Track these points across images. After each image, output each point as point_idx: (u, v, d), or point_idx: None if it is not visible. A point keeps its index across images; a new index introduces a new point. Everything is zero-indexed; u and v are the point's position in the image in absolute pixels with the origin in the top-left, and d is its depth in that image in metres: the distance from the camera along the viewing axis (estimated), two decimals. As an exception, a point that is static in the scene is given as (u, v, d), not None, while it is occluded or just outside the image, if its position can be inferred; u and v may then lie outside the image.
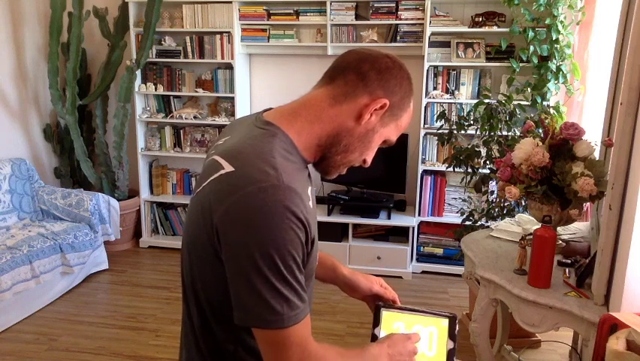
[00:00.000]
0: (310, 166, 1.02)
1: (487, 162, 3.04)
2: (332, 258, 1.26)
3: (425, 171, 3.83)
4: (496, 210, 2.96)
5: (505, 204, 2.92)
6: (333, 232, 3.85)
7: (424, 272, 3.87)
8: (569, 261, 1.85)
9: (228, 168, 0.87)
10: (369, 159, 1.01)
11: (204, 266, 0.91)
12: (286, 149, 0.92)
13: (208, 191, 0.88)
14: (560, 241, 2.02)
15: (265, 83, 4.21)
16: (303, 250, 0.86)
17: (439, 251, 3.86)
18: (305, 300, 0.88)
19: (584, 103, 3.07)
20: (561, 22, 3.18)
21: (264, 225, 0.81)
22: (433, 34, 3.67)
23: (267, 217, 0.81)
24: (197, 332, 0.99)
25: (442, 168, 3.54)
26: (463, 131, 3.19)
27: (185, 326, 1.04)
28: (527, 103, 3.26)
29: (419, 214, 3.84)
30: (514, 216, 2.63)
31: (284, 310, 0.83)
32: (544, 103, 3.27)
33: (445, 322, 1.12)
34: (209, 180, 0.89)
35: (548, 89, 3.27)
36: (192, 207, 0.94)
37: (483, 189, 3.19)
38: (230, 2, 3.86)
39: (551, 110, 3.05)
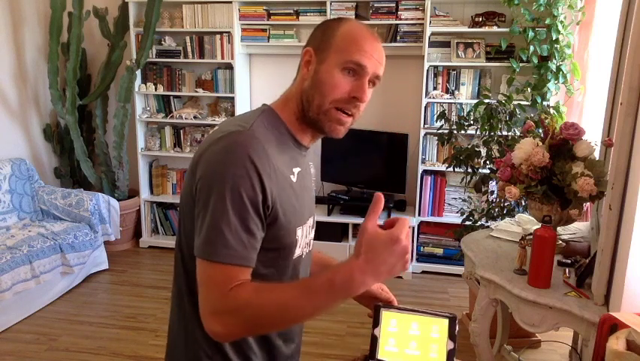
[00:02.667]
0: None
1: (487, 162, 3.04)
2: (326, 256, 1.29)
3: (425, 171, 3.83)
4: (496, 210, 2.96)
5: (505, 204, 2.92)
6: (333, 232, 3.85)
7: (424, 272, 3.87)
8: (569, 261, 1.85)
9: (215, 129, 1.02)
10: (339, 94, 1.00)
11: (186, 217, 0.99)
12: (271, 122, 1.03)
13: (199, 147, 1.00)
14: (560, 241, 2.02)
15: (265, 83, 4.21)
16: (257, 198, 0.90)
17: (439, 251, 3.86)
18: (248, 248, 0.90)
19: (584, 103, 3.07)
20: (561, 22, 3.18)
21: (221, 161, 0.90)
22: (433, 34, 3.67)
23: (226, 155, 0.91)
24: (179, 294, 1.09)
25: (442, 168, 3.54)
26: (463, 131, 3.19)
27: (172, 296, 1.15)
28: (527, 103, 3.26)
29: (419, 214, 3.84)
30: (514, 216, 2.63)
31: (216, 243, 0.88)
32: (544, 103, 3.27)
33: (445, 322, 1.12)
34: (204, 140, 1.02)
35: (548, 89, 3.27)
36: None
37: (483, 189, 3.19)
38: (230, 2, 3.86)
39: (551, 110, 3.05)
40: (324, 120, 1.01)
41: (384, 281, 0.93)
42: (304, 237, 1.08)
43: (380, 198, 0.91)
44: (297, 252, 1.06)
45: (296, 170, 1.05)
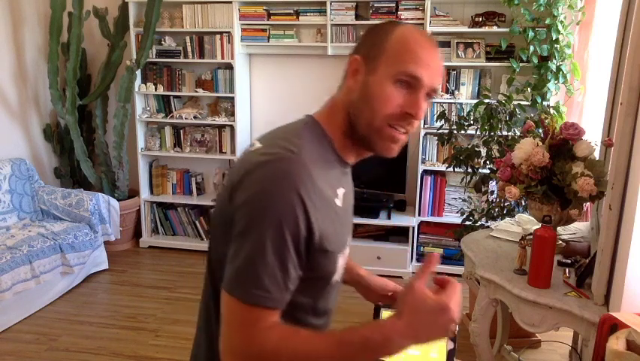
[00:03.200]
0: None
1: (487, 162, 3.04)
2: (357, 266, 1.23)
3: (425, 171, 3.83)
4: (496, 210, 2.96)
5: (505, 204, 2.92)
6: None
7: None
8: (569, 261, 1.85)
9: (257, 145, 0.93)
10: (391, 109, 0.89)
11: (218, 238, 0.92)
12: (317, 138, 0.94)
13: (236, 165, 0.93)
14: (560, 241, 2.02)
15: (265, 83, 4.21)
16: (300, 236, 0.83)
17: (439, 251, 3.86)
18: (282, 290, 0.84)
19: (584, 103, 3.07)
20: (561, 22, 3.17)
21: (266, 191, 0.82)
22: (433, 34, 3.67)
23: (272, 185, 0.83)
24: (206, 310, 1.00)
25: (442, 168, 3.54)
26: (463, 131, 3.19)
27: (199, 309, 1.06)
28: (527, 103, 3.26)
29: (419, 214, 3.84)
30: (514, 216, 2.63)
31: (248, 282, 0.82)
32: (544, 103, 3.27)
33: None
34: (240, 157, 0.95)
35: (548, 89, 3.27)
36: (223, 185, 0.96)
37: (483, 189, 3.19)
38: (230, 2, 3.86)
39: (551, 110, 3.05)
40: (376, 138, 0.92)
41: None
42: (343, 261, 1.01)
43: (435, 257, 0.86)
44: (335, 278, 0.99)
45: (340, 191, 0.96)
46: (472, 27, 3.58)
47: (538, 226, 1.78)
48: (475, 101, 3.31)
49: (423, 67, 0.88)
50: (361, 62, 0.92)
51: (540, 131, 2.12)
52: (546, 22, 3.19)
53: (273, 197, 0.82)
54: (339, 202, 0.94)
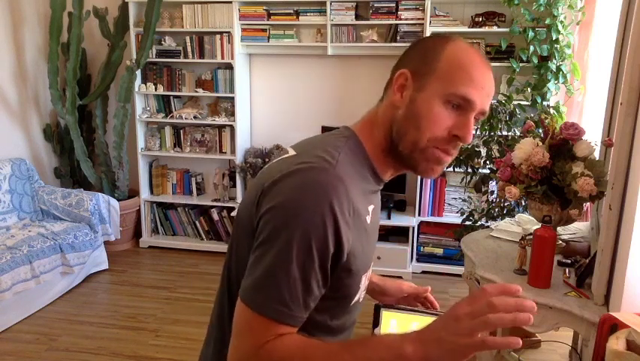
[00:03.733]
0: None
1: (487, 162, 3.04)
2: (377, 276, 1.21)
3: (425, 171, 3.83)
4: (496, 210, 2.96)
5: (505, 204, 2.92)
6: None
7: (424, 272, 3.86)
8: (569, 261, 1.85)
9: (291, 152, 0.89)
10: (438, 131, 0.84)
11: (241, 242, 0.89)
12: (355, 153, 0.89)
13: (266, 171, 0.89)
14: (560, 241, 2.02)
15: (265, 83, 4.21)
16: (327, 252, 0.79)
17: (439, 251, 3.86)
18: (302, 307, 0.79)
19: (584, 103, 3.07)
20: (561, 22, 3.17)
21: (297, 199, 0.78)
22: (433, 34, 3.67)
23: (304, 194, 0.78)
24: (220, 315, 0.97)
25: (442, 168, 3.54)
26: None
27: (212, 313, 1.02)
28: (527, 103, 3.26)
29: (419, 214, 3.84)
30: (514, 216, 2.63)
31: (268, 294, 0.78)
32: (544, 103, 3.27)
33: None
34: (270, 163, 0.91)
35: (548, 89, 3.27)
36: (249, 188, 0.92)
37: (483, 189, 3.20)
38: (230, 2, 3.86)
39: (551, 110, 3.05)
40: (420, 159, 0.87)
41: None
42: (366, 281, 0.97)
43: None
44: (356, 298, 0.95)
45: (371, 208, 0.92)
46: (472, 27, 3.58)
47: (538, 226, 1.78)
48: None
49: (477, 89, 0.84)
50: (409, 77, 0.87)
51: (540, 131, 2.12)
52: (546, 22, 3.19)
53: (303, 207, 0.77)
54: (369, 220, 0.90)
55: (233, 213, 4.02)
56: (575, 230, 2.23)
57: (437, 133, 0.84)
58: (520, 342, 0.66)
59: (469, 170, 3.10)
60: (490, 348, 0.67)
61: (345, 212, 0.80)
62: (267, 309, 0.77)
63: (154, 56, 4.05)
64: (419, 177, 3.78)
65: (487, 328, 0.68)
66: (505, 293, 0.71)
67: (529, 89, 3.32)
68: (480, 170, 3.13)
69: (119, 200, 4.01)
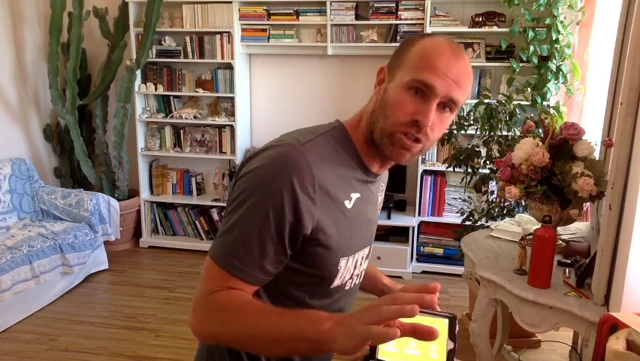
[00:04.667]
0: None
1: (487, 162, 3.04)
2: (374, 268, 1.22)
3: (425, 171, 3.83)
4: (496, 210, 2.96)
5: (505, 204, 2.92)
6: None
7: (424, 272, 3.87)
8: (569, 261, 1.85)
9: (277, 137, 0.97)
10: (401, 116, 0.89)
11: None
12: (338, 141, 0.95)
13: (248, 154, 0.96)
14: (560, 241, 2.02)
15: (265, 83, 4.21)
16: (283, 220, 0.84)
17: (439, 251, 3.86)
18: (254, 265, 0.85)
19: (584, 103, 3.07)
20: (561, 22, 3.17)
21: (262, 169, 0.86)
22: (433, 34, 3.66)
23: (269, 165, 0.86)
24: None
25: (442, 168, 3.54)
26: (463, 131, 3.18)
27: None
28: (527, 103, 3.26)
29: (419, 214, 3.84)
30: (514, 216, 2.63)
31: (226, 247, 0.85)
32: (544, 103, 3.27)
33: (445, 322, 1.11)
34: None
35: (548, 89, 3.27)
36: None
37: (483, 189, 3.19)
38: (230, 2, 3.86)
39: (551, 110, 3.05)
40: (388, 144, 0.92)
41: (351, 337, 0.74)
42: (351, 268, 1.00)
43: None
44: (337, 282, 0.98)
45: (354, 195, 0.96)
46: (472, 27, 3.58)
47: (538, 226, 1.78)
48: (475, 101, 3.31)
49: (438, 75, 0.87)
50: (386, 72, 0.95)
51: (540, 131, 2.12)
52: (546, 22, 3.18)
53: (267, 176, 0.85)
54: (348, 205, 0.94)
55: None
56: (575, 230, 2.23)
57: (400, 118, 0.89)
58: (398, 333, 0.70)
59: (469, 170, 3.10)
60: (373, 339, 0.71)
61: (306, 185, 0.85)
62: (222, 259, 0.85)
63: (154, 56, 4.05)
64: (419, 178, 3.78)
65: (380, 317, 0.71)
66: (423, 291, 0.76)
67: (529, 89, 3.32)
68: (480, 170, 3.13)
69: (119, 200, 4.01)
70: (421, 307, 0.72)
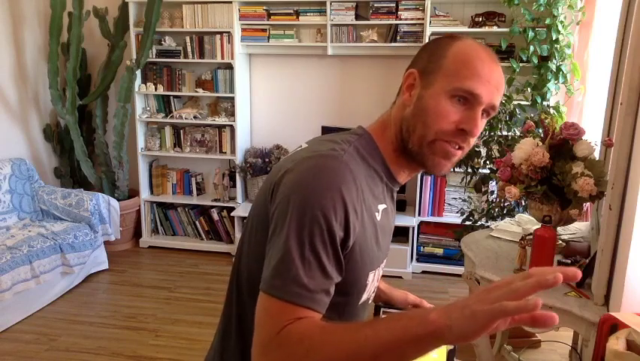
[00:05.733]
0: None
1: (487, 162, 3.04)
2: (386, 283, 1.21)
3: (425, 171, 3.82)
4: (496, 210, 2.96)
5: (505, 204, 2.92)
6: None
7: (424, 272, 3.86)
8: (569, 261, 1.85)
9: (304, 145, 0.92)
10: (445, 125, 0.86)
11: (256, 238, 0.89)
12: (366, 150, 0.91)
13: (279, 164, 0.91)
14: (560, 241, 2.02)
15: (265, 83, 4.21)
16: (337, 236, 0.79)
17: (439, 251, 3.86)
18: (320, 289, 0.78)
19: (584, 103, 3.07)
20: (561, 22, 3.18)
21: (307, 185, 0.80)
22: (433, 34, 3.67)
23: (314, 179, 0.80)
24: (227, 321, 0.97)
25: (442, 168, 3.53)
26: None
27: (219, 321, 1.02)
28: (527, 103, 3.26)
29: (419, 214, 3.84)
30: (514, 216, 2.63)
31: (286, 278, 0.76)
32: (544, 103, 3.27)
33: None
34: (284, 157, 0.94)
35: (548, 89, 3.27)
36: (261, 186, 0.93)
37: (483, 189, 3.20)
38: (230, 2, 3.86)
39: (551, 110, 3.05)
40: (428, 153, 0.88)
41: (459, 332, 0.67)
42: (375, 281, 0.97)
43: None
44: (364, 297, 0.95)
45: (381, 207, 0.93)
46: (472, 27, 3.58)
47: (538, 226, 1.78)
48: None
49: (482, 83, 0.85)
50: (417, 76, 0.90)
51: (540, 131, 2.12)
52: (546, 22, 3.19)
53: (313, 191, 0.79)
54: (378, 216, 0.91)
55: (234, 213, 4.02)
56: (575, 230, 2.23)
57: (444, 127, 0.86)
58: (539, 302, 0.61)
59: (469, 170, 3.10)
60: (508, 314, 0.62)
61: (353, 198, 0.81)
62: (285, 292, 0.76)
63: (154, 56, 4.05)
64: (419, 178, 3.78)
65: (517, 293, 0.63)
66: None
67: (529, 89, 3.32)
68: (480, 170, 3.13)
69: (119, 200, 4.01)
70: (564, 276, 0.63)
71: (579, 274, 0.64)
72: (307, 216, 0.77)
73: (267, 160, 4.03)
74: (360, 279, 0.90)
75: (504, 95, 3.13)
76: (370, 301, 1.01)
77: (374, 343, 0.70)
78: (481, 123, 0.88)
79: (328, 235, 0.78)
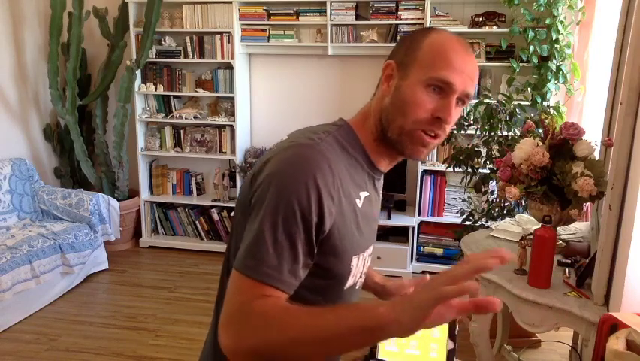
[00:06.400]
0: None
1: (487, 162, 3.04)
2: (376, 272, 1.24)
3: (425, 171, 3.83)
4: (496, 210, 2.96)
5: (505, 204, 2.92)
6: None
7: (424, 272, 3.86)
8: (569, 261, 1.85)
9: (285, 138, 0.96)
10: (422, 114, 0.90)
11: (240, 225, 0.92)
12: (346, 140, 0.95)
13: (262, 157, 0.95)
14: (560, 241, 2.02)
15: (265, 83, 4.21)
16: (311, 221, 0.83)
17: (439, 251, 3.86)
18: (289, 271, 0.82)
19: (584, 103, 3.07)
20: (561, 22, 3.17)
21: (283, 172, 0.84)
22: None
23: (290, 167, 0.85)
24: (218, 312, 0.97)
25: (442, 168, 3.54)
26: (463, 131, 3.18)
27: (213, 316, 1.04)
28: (527, 103, 3.26)
29: (419, 214, 3.84)
30: (514, 216, 2.63)
31: (257, 259, 0.81)
32: (544, 103, 3.27)
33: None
34: (268, 150, 0.97)
35: (548, 89, 3.27)
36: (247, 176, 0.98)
37: (483, 189, 3.19)
38: (230, 2, 3.86)
39: (551, 110, 3.05)
40: (406, 142, 0.93)
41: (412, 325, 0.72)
42: (360, 266, 1.00)
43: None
44: (350, 281, 0.98)
45: (363, 194, 0.97)
46: (472, 27, 3.58)
47: (538, 226, 1.78)
48: (475, 101, 3.31)
49: (456, 73, 0.88)
50: (395, 68, 0.94)
51: (540, 131, 2.12)
52: (546, 22, 3.18)
53: (289, 177, 0.83)
54: (359, 203, 0.95)
55: (234, 213, 4.02)
56: (575, 230, 2.23)
57: (421, 116, 0.90)
58: (477, 286, 0.67)
59: (469, 170, 3.10)
60: (449, 297, 0.67)
61: (328, 184, 0.85)
62: (255, 272, 0.81)
63: (154, 56, 4.05)
64: (419, 178, 3.78)
65: (454, 281, 0.69)
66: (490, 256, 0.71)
67: (529, 89, 3.32)
68: (480, 170, 3.13)
69: (119, 200, 4.01)
70: (477, 272, 0.70)
71: (510, 255, 0.70)
72: (282, 202, 0.82)
73: (267, 160, 4.03)
74: (341, 263, 0.93)
75: (504, 95, 3.13)
76: (358, 287, 1.04)
77: (329, 329, 0.75)
78: (456, 111, 0.92)
79: (301, 220, 0.82)
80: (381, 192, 1.12)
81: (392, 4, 3.69)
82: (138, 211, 4.29)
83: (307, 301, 0.89)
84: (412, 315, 0.70)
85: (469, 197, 3.70)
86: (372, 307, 0.74)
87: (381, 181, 1.09)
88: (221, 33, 3.93)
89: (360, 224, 0.96)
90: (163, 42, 4.08)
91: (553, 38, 3.19)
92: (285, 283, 0.82)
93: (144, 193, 4.29)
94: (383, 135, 0.95)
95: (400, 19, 3.69)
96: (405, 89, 0.91)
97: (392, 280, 1.23)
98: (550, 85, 3.26)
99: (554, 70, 3.24)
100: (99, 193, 3.78)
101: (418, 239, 3.88)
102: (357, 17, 3.77)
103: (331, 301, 0.96)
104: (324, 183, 0.84)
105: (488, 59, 3.61)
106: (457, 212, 3.59)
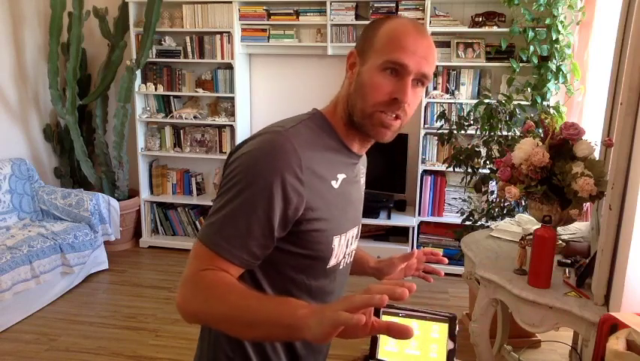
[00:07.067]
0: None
1: (487, 162, 3.04)
2: (361, 251, 1.28)
3: (425, 171, 3.83)
4: (496, 210, 2.96)
5: (505, 204, 2.92)
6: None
7: (423, 272, 3.86)
8: (569, 261, 1.85)
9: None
10: (380, 96, 0.94)
11: None
12: (319, 126, 1.01)
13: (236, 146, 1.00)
14: (560, 241, 2.02)
15: (265, 83, 4.21)
16: (272, 204, 0.88)
17: (439, 251, 3.85)
18: (242, 246, 0.88)
19: (584, 103, 3.08)
20: (561, 22, 3.18)
21: (250, 156, 0.90)
22: (433, 34, 3.67)
23: (257, 152, 0.90)
24: None
25: (442, 168, 3.54)
26: (463, 131, 3.19)
27: None
28: (527, 103, 3.26)
29: (419, 214, 3.84)
30: (514, 216, 2.63)
31: (215, 230, 0.88)
32: (544, 103, 3.27)
33: (445, 322, 1.11)
34: None
35: (548, 89, 3.27)
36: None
37: (483, 189, 3.19)
38: (230, 2, 3.86)
39: (551, 110, 3.05)
40: (369, 124, 0.97)
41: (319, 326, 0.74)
42: (343, 246, 1.04)
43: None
44: (332, 261, 1.02)
45: (340, 176, 1.01)
46: (472, 27, 3.58)
47: (538, 226, 1.78)
48: (475, 101, 3.32)
49: (408, 54, 0.92)
50: (357, 56, 0.99)
51: (540, 131, 2.12)
52: (546, 22, 3.19)
53: (255, 161, 0.89)
54: (335, 184, 0.99)
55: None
56: (575, 230, 2.23)
57: (379, 98, 0.94)
58: (363, 319, 0.69)
59: (469, 170, 3.10)
60: (341, 324, 0.70)
61: (293, 168, 0.89)
62: (209, 240, 0.89)
63: (154, 56, 4.05)
64: (419, 178, 3.78)
65: (352, 305, 0.70)
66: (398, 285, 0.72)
67: (529, 89, 3.32)
68: (480, 170, 3.13)
69: (119, 200, 4.01)
70: (391, 299, 0.70)
71: (405, 293, 0.70)
72: (245, 182, 0.88)
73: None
74: (321, 242, 0.97)
75: (504, 95, 3.13)
76: (342, 267, 1.08)
77: (251, 315, 0.81)
78: (416, 92, 0.96)
79: (261, 199, 0.87)
80: (363, 175, 1.18)
81: (392, 4, 3.70)
82: (138, 211, 4.29)
83: (292, 280, 0.99)
84: (321, 328, 0.72)
85: (469, 197, 3.71)
86: (296, 307, 0.78)
87: (362, 166, 1.14)
88: (221, 33, 3.93)
89: (340, 204, 1.01)
90: (163, 42, 4.08)
91: (553, 38, 3.19)
92: (235, 256, 0.88)
93: (144, 193, 4.29)
94: (351, 120, 0.99)
95: (400, 19, 3.68)
96: (363, 75, 0.96)
97: (383, 260, 1.29)
98: (551, 85, 3.26)
99: (554, 70, 3.24)
100: (99, 193, 3.78)
101: (418, 239, 3.88)
102: (357, 17, 3.77)
103: (315, 280, 1.01)
104: (289, 166, 0.89)
105: (488, 59, 3.62)
106: (457, 212, 3.59)
